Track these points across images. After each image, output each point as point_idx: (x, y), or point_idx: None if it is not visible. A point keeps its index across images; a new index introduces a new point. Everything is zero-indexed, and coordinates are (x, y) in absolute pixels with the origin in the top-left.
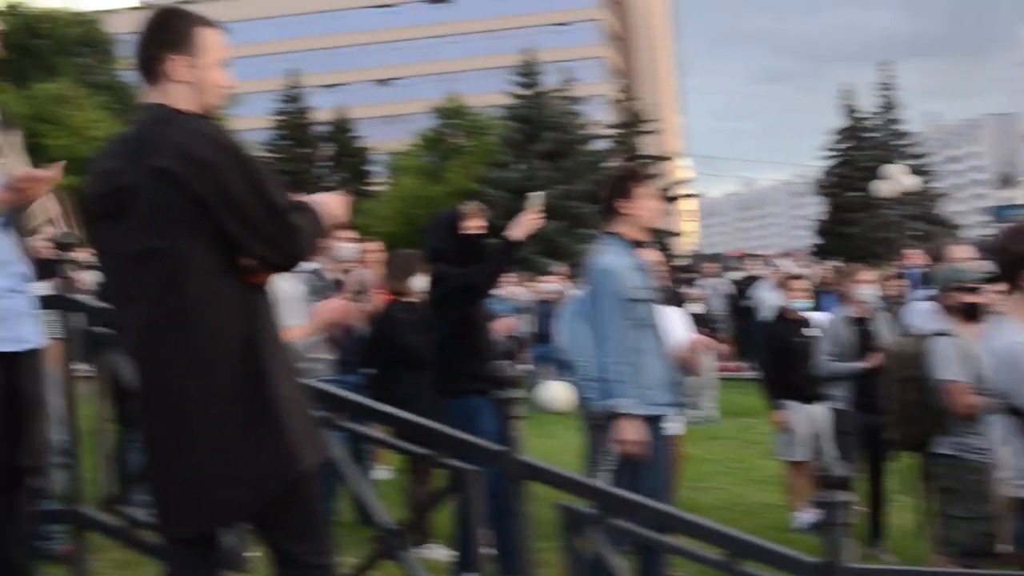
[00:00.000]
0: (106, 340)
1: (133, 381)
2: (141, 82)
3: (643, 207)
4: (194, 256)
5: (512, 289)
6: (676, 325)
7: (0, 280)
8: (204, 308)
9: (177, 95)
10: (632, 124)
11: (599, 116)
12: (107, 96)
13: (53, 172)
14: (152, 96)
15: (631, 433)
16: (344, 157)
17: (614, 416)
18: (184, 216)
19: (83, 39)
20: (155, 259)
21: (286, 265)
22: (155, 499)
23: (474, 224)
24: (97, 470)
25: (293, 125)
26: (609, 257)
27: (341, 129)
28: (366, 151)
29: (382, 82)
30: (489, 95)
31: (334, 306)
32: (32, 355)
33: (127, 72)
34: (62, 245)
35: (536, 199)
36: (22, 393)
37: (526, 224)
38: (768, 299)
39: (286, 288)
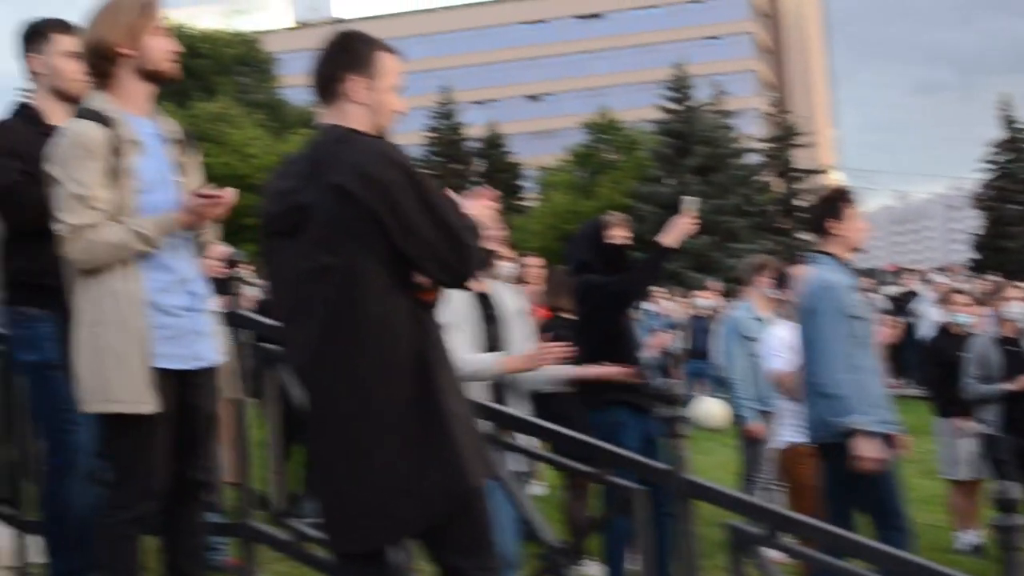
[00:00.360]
0: (275, 356)
1: (302, 397)
2: (316, 101)
3: (853, 227)
4: (368, 273)
5: (665, 304)
6: None
7: (177, 298)
8: (377, 325)
9: (353, 116)
10: (784, 137)
11: (751, 130)
12: (264, 114)
13: (229, 194)
14: (328, 116)
15: (870, 450)
16: (496, 173)
17: (850, 433)
18: (359, 234)
19: (241, 59)
20: (329, 276)
21: (456, 284)
22: (324, 514)
23: (619, 234)
24: (266, 484)
25: (446, 141)
26: (828, 275)
27: (493, 145)
28: (518, 167)
29: (533, 98)
30: (640, 109)
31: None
32: (207, 372)
33: (284, 90)
34: (231, 263)
35: (690, 204)
36: (197, 409)
37: (680, 229)
38: (930, 314)
39: (510, 302)
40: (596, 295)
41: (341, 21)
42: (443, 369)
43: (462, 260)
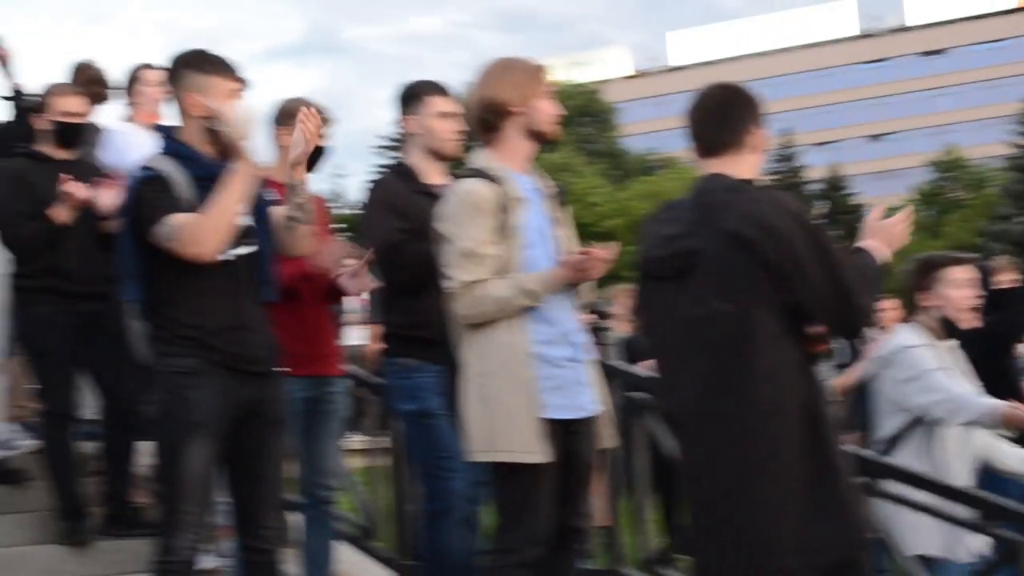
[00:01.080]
0: (643, 405)
1: (673, 445)
2: (696, 151)
3: None
4: (760, 321)
5: None
6: None
7: (561, 350)
8: (769, 373)
9: (747, 165)
10: None
11: None
12: (605, 163)
13: (609, 251)
14: (712, 165)
15: None
16: (839, 214)
17: None
18: (752, 281)
19: (583, 109)
20: (719, 322)
21: (846, 336)
22: (702, 562)
23: (1006, 278)
24: (637, 532)
25: (787, 184)
26: None
27: (835, 186)
28: (861, 207)
29: (875, 137)
30: (988, 146)
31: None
32: (588, 421)
33: (624, 139)
34: (600, 313)
35: None
36: (579, 457)
37: None
38: None
39: (954, 364)
40: (983, 339)
41: (679, 69)
42: (828, 421)
43: (854, 313)
